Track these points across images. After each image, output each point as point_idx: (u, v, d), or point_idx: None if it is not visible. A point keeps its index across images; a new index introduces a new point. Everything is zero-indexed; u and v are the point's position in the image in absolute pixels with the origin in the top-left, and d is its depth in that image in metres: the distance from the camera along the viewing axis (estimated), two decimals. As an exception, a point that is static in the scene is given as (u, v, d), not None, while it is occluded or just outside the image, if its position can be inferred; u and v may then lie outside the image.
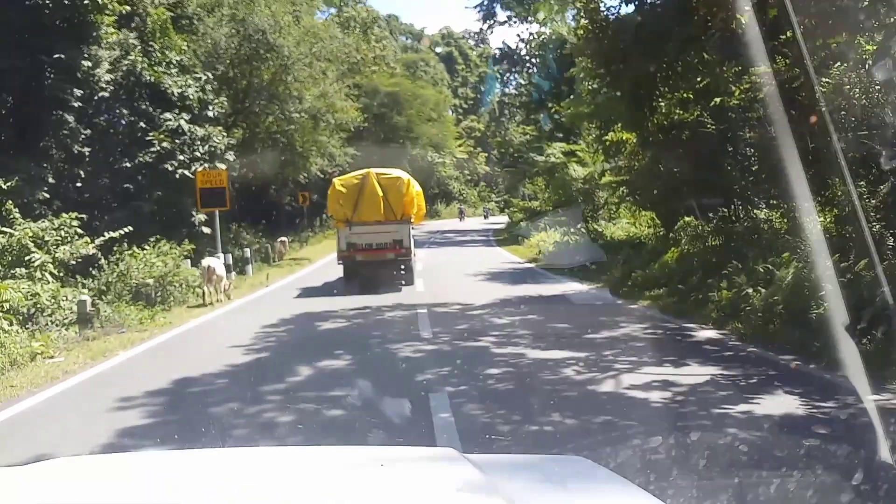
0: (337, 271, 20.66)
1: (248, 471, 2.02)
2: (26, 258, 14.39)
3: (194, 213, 22.14)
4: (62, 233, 16.01)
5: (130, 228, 17.10)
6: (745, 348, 9.57)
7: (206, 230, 22.06)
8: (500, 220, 54.82)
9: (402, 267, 18.61)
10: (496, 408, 6.89)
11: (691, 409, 6.61)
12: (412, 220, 19.21)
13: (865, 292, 9.75)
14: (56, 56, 18.72)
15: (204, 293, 16.74)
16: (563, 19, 46.01)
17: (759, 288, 11.58)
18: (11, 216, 15.11)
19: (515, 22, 50.68)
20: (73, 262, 15.86)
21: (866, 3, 11.03)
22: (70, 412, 7.81)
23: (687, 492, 3.40)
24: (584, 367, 8.56)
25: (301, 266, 27.60)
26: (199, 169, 21.78)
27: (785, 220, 14.47)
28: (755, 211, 15.90)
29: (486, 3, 49.45)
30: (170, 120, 22.14)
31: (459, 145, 72.59)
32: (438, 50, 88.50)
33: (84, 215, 16.96)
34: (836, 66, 12.77)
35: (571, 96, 32.36)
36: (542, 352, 9.64)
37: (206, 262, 16.98)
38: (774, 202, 15.30)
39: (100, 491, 1.80)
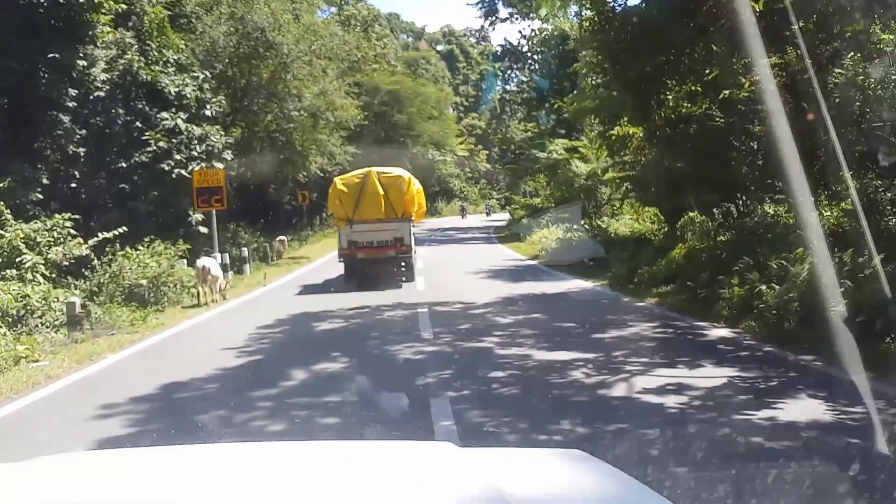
0: (336, 270, 20.63)
1: (245, 465, 2.00)
2: (17, 259, 14.04)
3: (191, 212, 21.81)
4: (55, 234, 15.66)
5: (125, 229, 16.78)
6: (761, 348, 9.12)
7: (204, 230, 21.77)
8: (502, 218, 54.31)
9: (403, 264, 18.73)
10: (501, 414, 6.46)
11: (710, 416, 6.18)
12: (413, 218, 19.24)
13: (886, 289, 9.37)
14: (51, 56, 18.38)
15: (199, 293, 16.34)
16: (566, 15, 45.67)
17: (773, 285, 11.14)
18: (3, 217, 14.75)
19: (517, 18, 50.24)
20: (66, 264, 15.51)
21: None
22: (48, 420, 7.38)
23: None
24: (594, 370, 8.11)
25: (300, 265, 27.19)
26: (197, 168, 21.41)
27: (792, 216, 14.10)
28: (763, 206, 15.51)
29: (487, -1, 49.03)
30: (167, 119, 21.80)
31: (460, 143, 72.12)
32: (440, 48, 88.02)
33: (78, 216, 16.67)
34: (849, 56, 12.37)
35: (574, 91, 31.96)
36: (547, 353, 9.19)
37: (201, 261, 16.60)
38: (782, 197, 14.92)
39: (95, 487, 1.79)
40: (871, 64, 11.74)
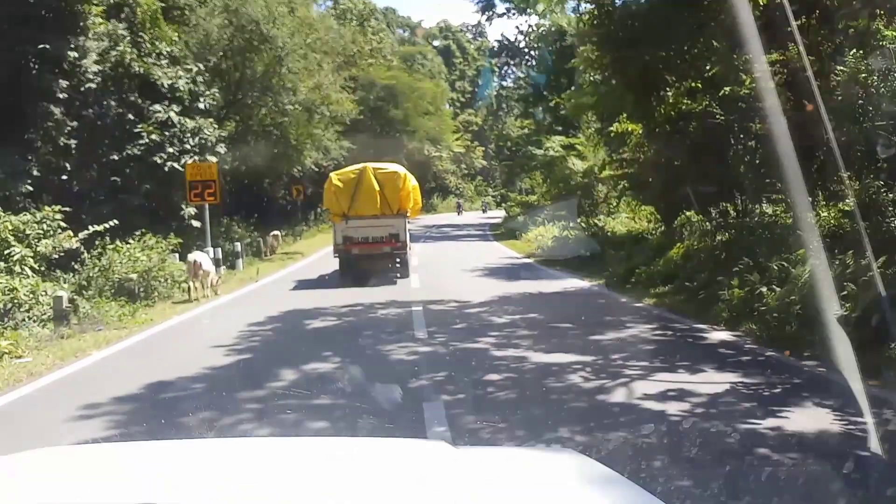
0: (329, 266, 20.54)
1: (239, 461, 1.99)
2: (5, 252, 13.81)
3: (184, 206, 21.58)
4: (44, 226, 15.38)
5: (115, 222, 16.55)
6: (763, 352, 8.89)
7: (196, 224, 21.54)
8: (498, 215, 54.03)
9: (398, 260, 18.84)
10: (497, 420, 6.21)
11: (714, 424, 5.93)
12: (408, 215, 19.33)
13: (889, 291, 9.16)
14: (42, 46, 18.16)
15: (190, 289, 16.07)
16: (563, 10, 45.44)
17: (774, 287, 10.92)
18: (-8, 209, 14.51)
19: (514, 14, 49.98)
20: (56, 257, 15.24)
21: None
22: (25, 421, 7.13)
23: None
24: (592, 373, 7.88)
25: (293, 260, 26.93)
26: (189, 161, 21.15)
27: (790, 216, 13.89)
28: (762, 206, 15.31)
29: (484, -6, 48.74)
30: (159, 112, 21.58)
31: (456, 139, 71.76)
32: (436, 43, 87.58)
33: (69, 208, 16.39)
34: (851, 53, 12.16)
35: (572, 88, 31.74)
36: (545, 355, 8.94)
37: (192, 256, 16.32)
38: (780, 196, 14.71)
39: (88, 481, 1.78)
40: (872, 56, 11.55)
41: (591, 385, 7.41)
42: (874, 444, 5.24)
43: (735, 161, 15.28)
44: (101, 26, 20.78)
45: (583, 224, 25.93)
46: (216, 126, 24.14)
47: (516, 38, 60.88)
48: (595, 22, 16.41)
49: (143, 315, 13.75)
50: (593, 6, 16.26)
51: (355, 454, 2.08)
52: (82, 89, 20.12)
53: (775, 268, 11.44)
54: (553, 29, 46.36)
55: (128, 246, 16.36)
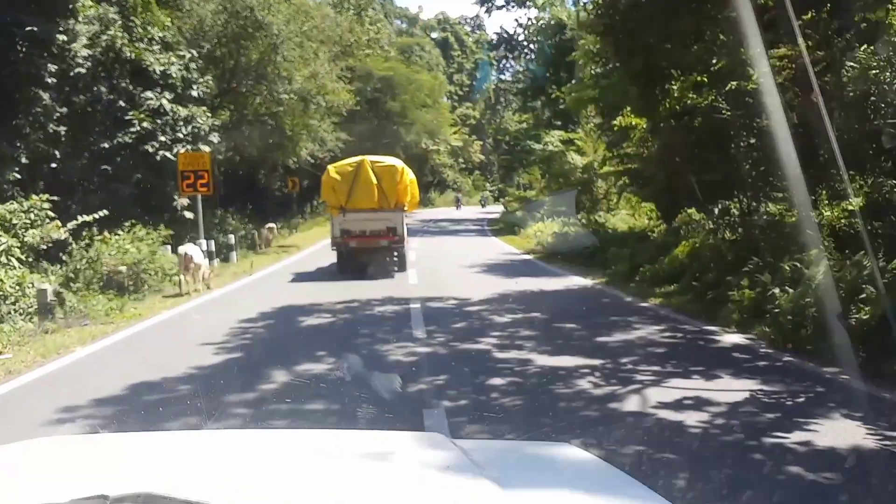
0: (325, 259, 20.41)
1: (232, 452, 1.98)
2: (-9, 242, 13.29)
3: (176, 197, 21.07)
4: (31, 215, 14.91)
5: (105, 212, 16.08)
6: (779, 357, 8.46)
7: (189, 215, 21.05)
8: (496, 210, 53.53)
9: (396, 254, 18.81)
10: (503, 430, 5.77)
11: (737, 438, 5.51)
12: (406, 208, 19.24)
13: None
14: (28, 29, 17.61)
15: (181, 282, 15.59)
16: (563, 3, 45.07)
17: (787, 288, 10.50)
18: (-25, 197, 14.04)
19: (513, 6, 49.59)
20: (44, 247, 14.77)
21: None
22: (-3, 425, 6.68)
23: None
24: (602, 379, 7.45)
25: (289, 254, 26.45)
26: (182, 151, 20.66)
27: (794, 215, 13.52)
28: (767, 204, 14.92)
29: (483, -14, 48.34)
30: (151, 99, 21.08)
31: (454, 133, 71.24)
32: (434, 35, 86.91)
33: (57, 197, 15.94)
34: (862, 49, 11.75)
35: (573, 81, 31.30)
36: (550, 357, 8.50)
37: (183, 248, 15.83)
38: (785, 194, 14.33)
39: (85, 471, 1.79)
40: (884, 49, 11.16)
41: (602, 392, 6.97)
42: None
43: (740, 158, 14.88)
44: (91, 9, 20.28)
45: (583, 220, 25.50)
46: (209, 115, 23.62)
47: (515, 31, 60.23)
48: (599, 12, 15.97)
49: (131, 309, 13.28)
50: (599, -5, 15.82)
51: (352, 446, 2.08)
52: (72, 74, 19.63)
53: (787, 268, 11.02)
54: (553, 22, 45.94)
55: (117, 237, 15.88)
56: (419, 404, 6.59)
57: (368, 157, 19.36)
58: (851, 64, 12.13)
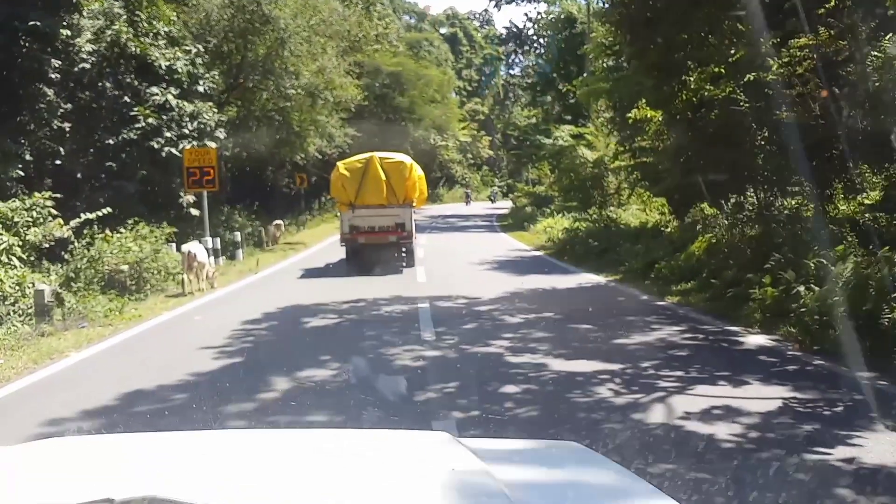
0: (332, 256, 20.40)
1: (236, 452, 1.96)
2: (-8, 240, 12.96)
3: (182, 194, 20.74)
4: (34, 213, 14.57)
5: (109, 210, 15.74)
6: (809, 360, 7.99)
7: (195, 212, 20.73)
8: (505, 205, 53.01)
9: (404, 250, 18.95)
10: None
11: (775, 454, 5.05)
12: (414, 204, 19.48)
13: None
14: (32, 23, 17.30)
15: (184, 281, 15.19)
16: (574, -4, 44.59)
17: (812, 286, 10.02)
18: (-23, 195, 13.71)
19: (523, 1, 49.16)
20: (46, 246, 14.44)
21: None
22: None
23: None
24: (622, 385, 7.00)
25: (295, 251, 26.06)
26: (188, 147, 20.32)
27: (808, 209, 13.09)
28: (785, 198, 14.46)
29: (493, -20, 47.92)
30: (157, 94, 20.73)
31: (463, 128, 70.69)
32: (443, 30, 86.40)
33: (60, 195, 15.65)
34: (887, 38, 11.26)
35: (584, 74, 30.84)
36: (566, 362, 8.06)
37: (187, 247, 15.47)
38: (805, 188, 13.88)
39: (84, 472, 1.77)
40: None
41: (623, 400, 6.52)
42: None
43: (758, 151, 14.42)
44: (95, 3, 20.06)
45: (594, 215, 25.02)
46: (216, 110, 23.28)
47: (525, 26, 59.79)
48: (614, 1, 15.51)
49: (131, 310, 12.87)
50: (613, -16, 15.36)
51: (357, 445, 2.08)
52: (76, 70, 19.39)
53: (812, 265, 10.53)
54: (562, 16, 45.48)
55: (119, 235, 15.49)
56: (427, 415, 6.16)
57: (377, 154, 19.54)
58: (876, 54, 11.66)
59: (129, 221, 16.44)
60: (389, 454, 1.94)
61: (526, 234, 30.59)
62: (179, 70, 21.66)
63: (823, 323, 9.00)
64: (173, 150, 20.41)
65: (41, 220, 14.60)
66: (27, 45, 17.65)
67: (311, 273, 19.02)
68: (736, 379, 7.11)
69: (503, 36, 70.20)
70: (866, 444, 5.17)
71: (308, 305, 12.62)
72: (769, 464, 4.82)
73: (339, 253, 19.81)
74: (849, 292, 9.45)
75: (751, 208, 14.85)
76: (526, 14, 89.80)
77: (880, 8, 12.14)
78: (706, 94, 15.28)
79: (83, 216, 15.27)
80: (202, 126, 22.01)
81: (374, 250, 18.61)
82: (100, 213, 15.36)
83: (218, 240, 20.78)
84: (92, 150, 20.42)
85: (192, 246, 15.56)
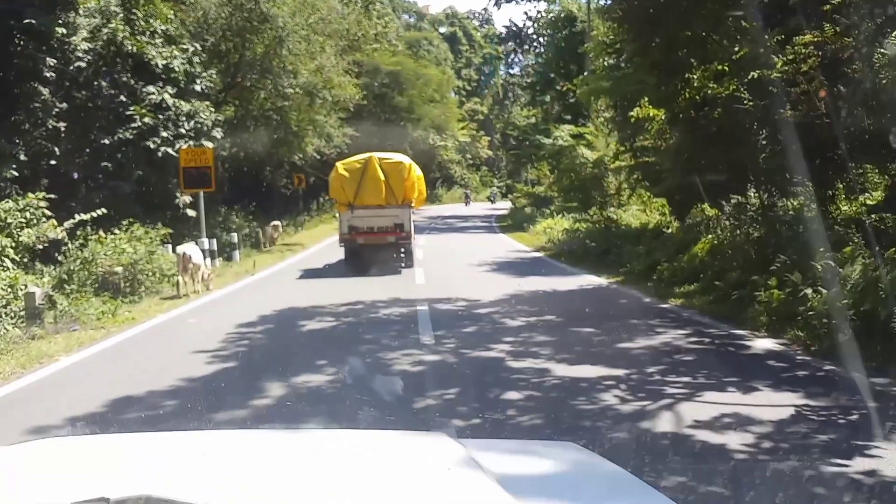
0: (330, 257, 20.28)
1: (233, 453, 1.94)
2: (-16, 242, 12.75)
3: (179, 194, 20.51)
4: (27, 214, 14.34)
5: (104, 211, 15.53)
6: (820, 366, 7.75)
7: (192, 213, 20.51)
8: (504, 206, 52.77)
9: (403, 250, 19.00)
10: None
11: (791, 466, 4.82)
12: (413, 205, 19.46)
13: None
14: (27, 21, 17.10)
15: (179, 283, 14.95)
16: (574, -5, 44.36)
17: (819, 288, 9.80)
18: (-31, 196, 13.49)
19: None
20: (40, 247, 14.20)
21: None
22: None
23: None
24: (629, 391, 6.76)
25: (293, 252, 25.81)
26: (184, 146, 20.09)
27: (811, 210, 12.87)
28: (788, 199, 14.25)
29: (493, -21, 47.75)
30: (153, 93, 20.50)
31: (462, 128, 70.43)
32: (442, 30, 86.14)
33: (54, 196, 15.42)
34: (894, 34, 11.06)
35: (585, 73, 30.63)
36: (569, 367, 7.82)
37: (182, 248, 15.23)
38: (808, 188, 13.66)
39: (80, 472, 1.76)
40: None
41: (630, 408, 6.28)
42: None
43: (760, 150, 14.21)
44: (91, 1, 19.83)
45: (595, 216, 24.81)
46: (213, 109, 23.02)
47: (524, 25, 59.51)
48: (618, -3, 15.30)
49: (125, 313, 12.64)
50: (615, -20, 15.14)
51: (353, 446, 2.06)
52: (72, 68, 19.17)
53: (819, 267, 10.29)
54: (563, 15, 45.27)
55: (112, 236, 15.25)
56: (426, 423, 5.92)
57: (376, 154, 19.57)
58: (882, 51, 11.46)
59: (124, 222, 16.21)
60: (387, 455, 1.94)
61: (525, 234, 30.38)
62: (176, 69, 21.44)
63: (832, 326, 8.77)
64: (170, 150, 20.20)
65: (35, 221, 14.40)
66: (22, 43, 17.48)
67: (308, 274, 18.83)
68: (745, 385, 6.88)
69: (503, 35, 69.93)
70: (886, 455, 4.93)
71: (305, 308, 12.38)
72: (785, 476, 4.58)
73: (337, 254, 19.66)
74: (857, 295, 9.25)
75: (753, 209, 14.64)
76: (526, 13, 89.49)
77: (886, 5, 11.95)
78: (709, 92, 15.07)
79: (77, 217, 15.05)
80: (199, 126, 21.81)
81: (372, 251, 18.63)
82: (94, 214, 15.15)
83: (214, 241, 20.54)
84: (87, 150, 20.23)
85: (187, 247, 15.33)
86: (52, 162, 18.78)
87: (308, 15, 29.04)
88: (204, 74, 23.34)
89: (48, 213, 14.60)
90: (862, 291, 9.27)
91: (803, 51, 12.69)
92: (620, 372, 7.44)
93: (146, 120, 19.94)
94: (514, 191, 51.86)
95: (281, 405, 6.56)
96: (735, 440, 5.32)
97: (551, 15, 46.49)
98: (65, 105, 18.91)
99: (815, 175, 13.13)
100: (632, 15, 14.71)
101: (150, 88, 20.55)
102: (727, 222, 15.11)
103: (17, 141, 17.66)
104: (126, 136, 19.87)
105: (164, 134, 20.45)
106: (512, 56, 76.36)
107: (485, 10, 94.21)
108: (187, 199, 20.65)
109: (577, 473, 1.91)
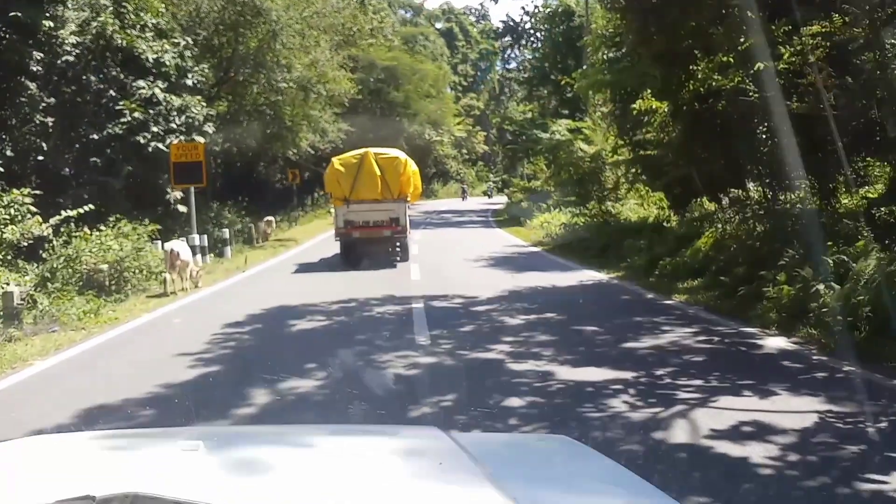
0: (324, 252, 20.25)
1: (226, 449, 1.91)
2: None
3: (169, 190, 20.09)
4: (11, 211, 13.91)
5: (91, 207, 15.07)
6: (839, 366, 7.30)
7: (183, 209, 20.10)
8: (500, 201, 52.33)
9: (398, 244, 19.14)
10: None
11: (823, 483, 4.38)
12: (409, 199, 19.49)
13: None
14: (13, 14, 16.71)
15: (166, 281, 14.48)
16: (571, -12, 43.90)
17: (832, 284, 9.36)
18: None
19: (520, -7, 48.52)
20: (24, 244, 13.76)
21: None
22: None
23: None
24: (638, 397, 6.31)
25: (286, 248, 25.34)
26: (175, 142, 19.67)
27: (815, 202, 12.50)
28: (793, 192, 13.85)
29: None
30: (143, 88, 20.09)
31: (458, 123, 70.00)
32: (438, 25, 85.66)
33: (40, 192, 15.04)
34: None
35: (583, 67, 30.20)
36: (573, 369, 7.38)
37: (170, 245, 14.80)
38: (812, 182, 13.28)
39: (70, 470, 1.75)
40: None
41: (641, 415, 5.82)
42: None
43: (765, 142, 13.82)
44: (80, -6, 19.35)
45: (593, 210, 24.41)
46: (204, 104, 22.59)
47: (521, 20, 59.05)
48: (621, -13, 14.87)
49: (109, 312, 12.16)
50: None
51: (347, 441, 2.06)
52: (60, 63, 18.78)
53: (831, 262, 9.85)
54: (560, 10, 44.85)
55: (98, 233, 14.78)
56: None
57: (372, 149, 19.60)
58: (892, 41, 11.08)
59: (111, 218, 15.77)
60: (379, 450, 1.93)
61: (522, 229, 30.00)
62: (167, 63, 21.07)
63: (848, 324, 8.36)
64: (160, 146, 19.89)
65: (19, 217, 13.99)
66: (8, 36, 17.22)
67: (301, 270, 18.45)
68: (761, 389, 6.44)
69: (499, 30, 69.44)
70: (925, 470, 4.51)
71: (296, 306, 11.92)
72: (817, 495, 4.15)
73: (332, 249, 19.50)
74: (873, 291, 8.83)
75: (756, 202, 14.27)
76: (523, 7, 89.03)
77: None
78: (714, 84, 14.66)
79: (62, 213, 14.61)
80: (190, 120, 21.44)
81: (368, 245, 18.74)
82: (81, 210, 14.70)
83: (206, 237, 20.16)
84: (76, 146, 19.91)
85: (175, 244, 14.89)
86: (41, 158, 18.44)
87: (303, 9, 28.60)
88: (196, 69, 22.98)
89: (33, 209, 14.24)
90: (878, 287, 8.84)
91: (811, 41, 12.29)
92: (628, 375, 6.99)
93: (136, 115, 19.63)
94: (511, 186, 51.53)
95: (265, 414, 6.11)
96: (758, 452, 4.87)
97: (548, 9, 46.04)
98: (53, 100, 18.64)
99: (818, 168, 12.76)
100: (634, 4, 14.28)
101: (141, 83, 20.19)
102: (730, 216, 14.72)
103: (4, 137, 17.40)
104: (116, 132, 19.56)
105: (155, 129, 20.13)
106: (508, 51, 75.88)
107: (481, 5, 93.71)
108: (178, 194, 20.29)
109: (571, 467, 1.91)
